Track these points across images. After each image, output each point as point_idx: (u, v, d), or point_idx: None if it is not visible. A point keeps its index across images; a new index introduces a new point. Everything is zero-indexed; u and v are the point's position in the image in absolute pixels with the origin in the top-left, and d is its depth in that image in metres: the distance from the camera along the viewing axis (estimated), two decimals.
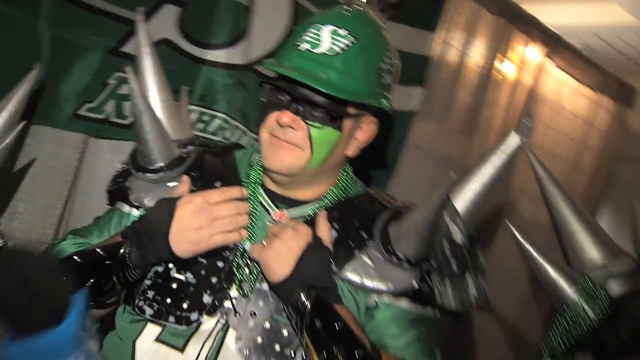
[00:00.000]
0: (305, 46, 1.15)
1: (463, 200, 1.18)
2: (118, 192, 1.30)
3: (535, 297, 2.57)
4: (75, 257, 1.15)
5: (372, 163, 2.11)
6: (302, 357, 1.12)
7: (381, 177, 2.23)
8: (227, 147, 1.38)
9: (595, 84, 2.92)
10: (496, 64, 2.52)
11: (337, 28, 1.14)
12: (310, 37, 1.14)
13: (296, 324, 1.09)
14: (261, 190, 1.25)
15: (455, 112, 2.45)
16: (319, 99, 1.15)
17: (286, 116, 1.14)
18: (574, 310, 0.98)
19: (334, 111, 1.16)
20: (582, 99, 2.92)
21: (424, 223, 1.14)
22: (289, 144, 1.16)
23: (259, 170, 1.28)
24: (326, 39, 1.14)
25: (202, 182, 1.23)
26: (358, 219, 1.23)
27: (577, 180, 2.93)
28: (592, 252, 1.06)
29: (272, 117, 1.17)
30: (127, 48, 1.68)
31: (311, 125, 1.16)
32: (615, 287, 1.01)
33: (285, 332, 1.14)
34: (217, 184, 1.22)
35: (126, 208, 1.28)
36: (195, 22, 1.78)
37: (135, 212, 1.25)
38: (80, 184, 1.73)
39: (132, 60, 1.42)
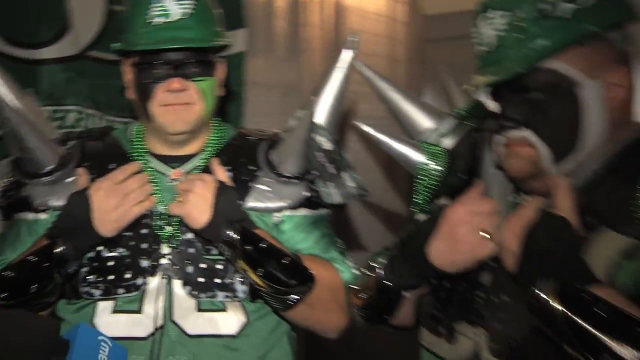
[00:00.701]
0: (160, 20, 1.29)
1: (322, 114, 1.44)
2: (14, 205, 1.37)
3: (393, 181, 2.96)
4: (5, 273, 1.23)
5: (225, 108, 2.30)
6: (240, 279, 1.33)
7: (236, 119, 2.42)
8: (102, 131, 1.49)
9: None
10: None
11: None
12: (159, 10, 1.29)
13: (230, 256, 1.28)
14: (150, 158, 1.41)
15: (277, 42, 2.66)
16: (193, 56, 1.32)
17: (176, 82, 1.31)
18: (424, 169, 1.26)
19: (207, 62, 1.35)
20: (380, 1, 3.25)
21: (301, 142, 1.37)
22: (185, 104, 1.33)
23: (141, 142, 1.42)
24: (173, 7, 1.29)
25: (97, 168, 1.36)
26: (243, 156, 1.43)
27: (396, 71, 3.30)
28: (424, 122, 1.35)
29: (161, 89, 1.32)
30: None
31: (196, 81, 1.34)
32: (446, 142, 1.31)
33: (219, 266, 1.33)
34: (112, 165, 1.35)
35: (30, 216, 1.36)
36: (17, 26, 1.80)
37: (43, 216, 1.35)
38: None
39: None
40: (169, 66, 1.31)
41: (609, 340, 0.81)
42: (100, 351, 1.14)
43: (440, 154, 1.26)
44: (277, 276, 1.25)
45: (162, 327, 1.30)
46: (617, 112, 1.04)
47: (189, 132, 1.38)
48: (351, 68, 1.44)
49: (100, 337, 1.17)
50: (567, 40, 1.01)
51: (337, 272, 1.41)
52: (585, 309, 0.85)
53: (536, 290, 0.88)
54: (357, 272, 1.43)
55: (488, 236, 1.04)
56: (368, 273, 1.21)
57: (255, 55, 2.54)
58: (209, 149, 1.43)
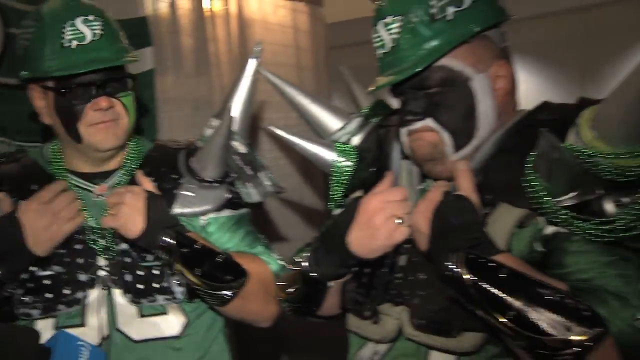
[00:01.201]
0: (75, 43, 1.32)
1: (235, 120, 1.54)
2: None
3: (309, 179, 3.06)
4: None
5: (139, 125, 2.30)
6: (176, 282, 1.40)
7: (151, 135, 2.42)
8: (16, 154, 1.50)
9: None
10: (203, 3, 2.79)
11: (84, 16, 1.33)
12: (72, 34, 1.32)
13: (167, 260, 1.33)
14: (72, 176, 1.42)
15: (185, 58, 2.69)
16: (112, 74, 1.38)
17: (103, 101, 1.37)
18: (337, 166, 1.36)
19: (124, 78, 1.42)
20: (282, 10, 3.34)
21: (220, 148, 1.44)
22: (112, 121, 1.38)
23: (60, 161, 1.44)
24: (85, 29, 1.33)
25: (18, 190, 1.37)
26: (164, 166, 1.49)
27: (304, 79, 3.40)
28: (333, 123, 1.45)
29: (88, 109, 1.37)
30: None
31: (121, 97, 1.40)
32: (355, 140, 1.42)
33: (156, 271, 1.39)
34: (33, 186, 1.37)
35: None
36: None
37: None
38: None
39: None
40: (93, 87, 1.36)
41: (513, 300, 0.92)
42: (80, 355, 1.20)
43: (350, 151, 1.36)
44: (214, 274, 1.33)
45: (108, 337, 1.33)
46: (503, 100, 1.18)
47: (118, 147, 1.44)
48: (259, 76, 1.53)
49: (79, 342, 1.23)
50: (455, 40, 1.13)
51: (265, 265, 1.51)
52: (490, 276, 0.96)
53: (447, 264, 0.99)
54: (283, 262, 1.54)
55: (401, 221, 1.14)
56: (293, 268, 1.29)
57: (165, 72, 2.56)
58: (129, 162, 1.48)
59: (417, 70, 1.12)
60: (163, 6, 2.58)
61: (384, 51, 1.19)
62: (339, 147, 1.38)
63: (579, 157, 1.00)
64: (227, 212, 1.52)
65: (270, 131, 1.41)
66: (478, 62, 1.16)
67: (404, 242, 1.16)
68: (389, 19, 1.16)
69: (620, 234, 0.99)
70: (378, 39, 1.19)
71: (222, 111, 1.59)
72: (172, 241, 1.31)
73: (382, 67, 1.21)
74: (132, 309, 1.38)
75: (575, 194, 1.02)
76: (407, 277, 1.19)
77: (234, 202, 1.54)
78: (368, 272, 1.23)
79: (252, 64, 1.57)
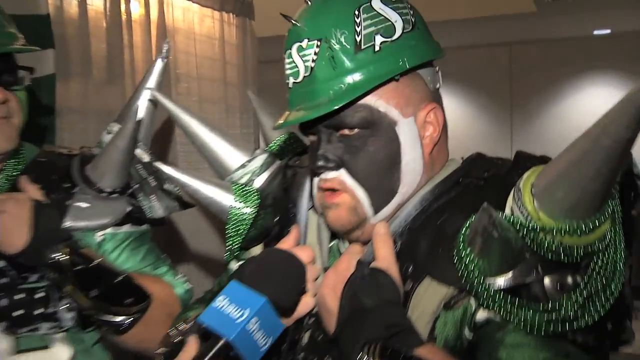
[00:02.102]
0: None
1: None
2: None
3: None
4: None
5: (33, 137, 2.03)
6: (65, 306, 1.21)
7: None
8: None
9: (216, 4, 3.15)
10: (122, 6, 2.54)
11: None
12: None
13: (56, 280, 1.15)
14: None
15: (95, 64, 2.43)
16: (2, 63, 1.18)
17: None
18: (234, 213, 1.12)
19: (16, 70, 1.22)
20: (209, 20, 3.13)
21: (121, 153, 1.28)
22: (4, 118, 1.18)
23: None
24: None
25: None
26: (54, 173, 1.30)
27: (230, 95, 3.19)
28: (233, 160, 1.20)
29: None
30: None
31: (16, 92, 1.22)
32: (258, 180, 1.17)
33: (40, 295, 1.19)
34: None
35: None
36: None
37: None
38: None
39: None
40: None
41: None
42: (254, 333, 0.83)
43: (249, 194, 1.15)
44: (112, 297, 1.17)
45: None
46: (431, 150, 1.01)
47: (11, 151, 1.24)
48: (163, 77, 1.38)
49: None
50: (382, 76, 0.95)
51: (169, 288, 1.34)
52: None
53: (357, 356, 0.80)
54: (187, 285, 1.39)
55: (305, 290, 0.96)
56: (177, 330, 1.07)
57: (69, 78, 2.29)
58: (9, 166, 1.27)
59: (333, 108, 0.93)
60: (72, 5, 2.32)
61: (296, 80, 0.98)
62: (237, 189, 1.15)
63: (519, 230, 0.83)
64: (127, 228, 1.34)
65: (158, 168, 1.17)
66: (406, 105, 0.98)
67: (308, 315, 0.97)
68: (304, 43, 0.96)
69: (566, 325, 0.82)
70: (290, 66, 0.98)
71: (123, 115, 1.40)
72: (63, 257, 1.12)
73: (292, 99, 1.00)
74: (7, 343, 1.16)
75: (513, 274, 0.84)
76: None
77: (135, 217, 1.35)
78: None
79: (159, 65, 1.39)
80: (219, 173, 1.24)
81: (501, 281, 0.84)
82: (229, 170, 1.22)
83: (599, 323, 0.82)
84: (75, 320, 1.24)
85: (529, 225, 0.82)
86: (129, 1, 2.57)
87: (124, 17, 2.55)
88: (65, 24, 2.29)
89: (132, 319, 1.20)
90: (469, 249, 0.87)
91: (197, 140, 1.23)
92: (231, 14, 3.26)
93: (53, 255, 1.13)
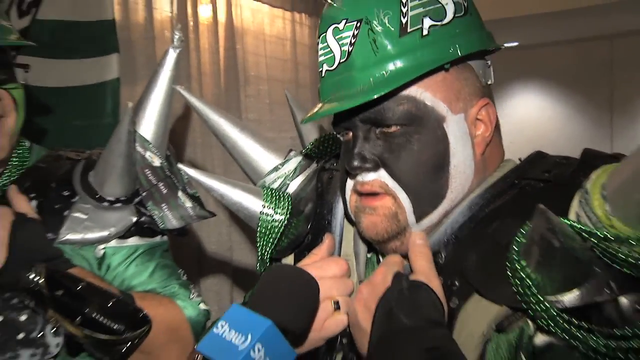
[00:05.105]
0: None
1: (147, 125, 1.21)
2: None
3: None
4: None
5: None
6: (51, 331, 1.08)
7: None
8: None
9: (286, 4, 3.09)
10: (189, 9, 2.52)
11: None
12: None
13: (35, 305, 1.04)
14: None
15: None
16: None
17: None
18: (264, 220, 1.03)
19: (10, 66, 1.13)
20: (279, 21, 3.07)
21: (119, 158, 1.15)
22: None
23: None
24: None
25: None
26: (53, 180, 1.20)
27: (302, 96, 3.12)
28: (266, 162, 1.12)
29: None
30: None
31: (10, 89, 1.13)
32: (292, 185, 1.09)
33: (23, 317, 1.08)
34: None
35: None
36: None
37: None
38: None
39: None
40: None
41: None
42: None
43: (282, 200, 1.03)
44: (100, 322, 1.03)
45: None
46: (483, 151, 0.87)
47: (4, 159, 1.15)
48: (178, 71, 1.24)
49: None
50: (430, 64, 0.81)
51: (179, 310, 1.20)
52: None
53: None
54: (203, 306, 1.24)
55: (338, 307, 0.83)
56: None
57: (134, 82, 2.28)
58: (8, 173, 1.18)
59: (373, 97, 0.80)
60: (138, 9, 2.31)
61: (329, 68, 0.86)
62: (267, 194, 1.05)
63: (586, 239, 0.67)
64: (133, 241, 1.21)
65: (182, 170, 1.08)
66: (455, 99, 0.85)
67: (341, 334, 0.85)
68: (341, 24, 0.84)
69: None
70: (325, 51, 0.86)
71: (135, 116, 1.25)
72: (40, 280, 1.00)
73: (324, 89, 0.88)
74: None
75: (580, 292, 0.69)
76: None
77: (143, 228, 1.22)
78: None
79: (171, 56, 1.21)
80: (250, 176, 1.15)
81: (565, 300, 0.69)
82: (261, 173, 1.12)
83: None
84: (62, 346, 1.11)
85: (599, 234, 0.67)
86: (197, 4, 2.55)
87: (190, 20, 2.53)
88: (131, 28, 2.29)
89: (125, 347, 1.06)
90: (524, 262, 0.72)
91: (227, 141, 1.14)
92: (303, 14, 3.19)
93: (29, 278, 1.01)
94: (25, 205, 1.11)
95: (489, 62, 0.92)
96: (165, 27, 2.44)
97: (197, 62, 2.56)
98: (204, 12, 2.64)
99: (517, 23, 5.16)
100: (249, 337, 0.70)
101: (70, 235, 1.14)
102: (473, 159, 0.86)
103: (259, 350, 0.70)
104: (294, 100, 1.28)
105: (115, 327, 1.04)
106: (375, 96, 0.80)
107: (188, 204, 1.23)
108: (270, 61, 2.99)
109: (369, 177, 0.86)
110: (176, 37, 1.20)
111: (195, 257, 2.43)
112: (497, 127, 0.90)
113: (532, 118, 6.42)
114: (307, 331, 0.82)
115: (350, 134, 0.88)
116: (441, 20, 0.83)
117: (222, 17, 2.70)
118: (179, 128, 2.47)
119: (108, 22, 2.19)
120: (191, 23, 2.53)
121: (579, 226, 0.68)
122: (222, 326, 0.72)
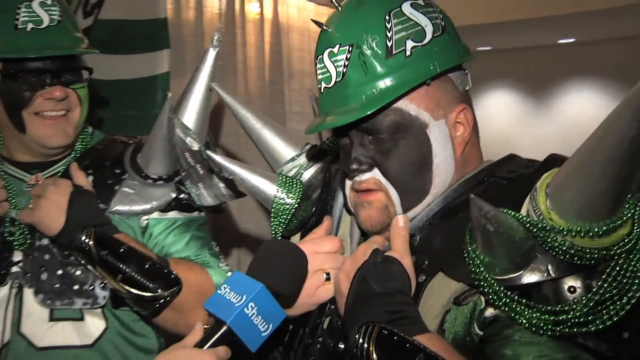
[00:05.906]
0: (31, 26, 1.20)
1: (190, 115, 1.39)
2: None
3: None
4: None
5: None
6: (100, 285, 1.29)
7: None
8: None
9: (331, 3, 3.20)
10: (236, 6, 2.68)
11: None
12: (27, 16, 1.21)
13: (86, 262, 1.23)
14: (6, 165, 1.38)
15: None
16: (68, 63, 1.31)
17: (58, 90, 1.28)
18: (277, 202, 1.19)
19: (79, 69, 1.33)
20: (325, 18, 3.19)
21: (163, 141, 1.34)
22: (62, 116, 1.31)
23: None
24: (42, 13, 1.21)
25: None
26: (107, 159, 1.41)
27: None
28: (284, 153, 1.28)
29: (38, 96, 1.28)
30: None
31: (76, 88, 1.33)
32: (307, 174, 1.24)
33: (78, 272, 1.29)
34: None
35: None
36: None
37: None
38: None
39: None
40: (47, 74, 1.28)
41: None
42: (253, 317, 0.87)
43: (294, 186, 1.19)
44: (137, 280, 1.22)
45: (7, 343, 1.24)
46: (462, 151, 1.01)
47: (67, 145, 1.35)
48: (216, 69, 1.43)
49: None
50: (413, 80, 0.95)
51: (206, 275, 1.37)
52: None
53: (356, 338, 0.81)
54: (230, 274, 1.38)
55: (328, 278, 0.97)
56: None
57: (183, 76, 2.46)
58: (73, 154, 1.41)
59: (366, 113, 0.94)
60: (188, 7, 2.49)
61: (327, 85, 1.00)
62: (281, 180, 1.20)
63: (529, 229, 0.79)
64: (173, 214, 1.40)
65: (210, 157, 1.25)
66: (436, 107, 0.99)
67: (330, 301, 0.99)
68: (336, 48, 0.97)
69: (575, 329, 0.78)
70: (322, 71, 1.00)
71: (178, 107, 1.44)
72: (90, 241, 1.20)
73: (323, 104, 1.02)
74: (42, 312, 1.27)
75: (521, 273, 0.81)
76: (326, 344, 1.01)
77: (182, 204, 1.40)
78: (289, 331, 1.06)
79: (211, 54, 1.41)
80: (271, 165, 1.30)
81: (509, 279, 0.82)
82: (280, 162, 1.27)
83: (614, 331, 0.77)
84: (109, 299, 1.31)
85: (540, 225, 0.79)
86: (244, 2, 2.71)
87: (237, 16, 2.69)
88: (182, 25, 2.47)
89: (160, 303, 1.24)
90: (473, 245, 0.85)
91: (253, 133, 1.29)
92: None
93: (81, 239, 1.21)
94: (83, 180, 1.31)
95: (466, 70, 1.04)
96: (214, 24, 2.60)
97: (243, 57, 2.72)
98: (250, 9, 2.80)
99: (574, 20, 5.11)
100: (244, 297, 0.86)
101: (119, 207, 1.34)
102: (454, 158, 1.00)
103: (252, 307, 0.86)
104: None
105: (150, 286, 1.22)
106: (368, 112, 0.94)
107: (222, 184, 1.40)
108: (312, 57, 3.12)
109: (365, 176, 1.00)
110: (215, 37, 1.38)
111: (235, 235, 2.60)
112: (474, 128, 1.03)
113: (587, 115, 6.33)
114: (296, 295, 0.97)
115: (347, 140, 1.02)
116: (421, 41, 0.96)
117: (268, 14, 2.85)
118: (220, 119, 2.63)
119: (161, 20, 2.38)
120: (239, 20, 2.70)
121: (521, 218, 0.80)
122: (224, 288, 0.88)
